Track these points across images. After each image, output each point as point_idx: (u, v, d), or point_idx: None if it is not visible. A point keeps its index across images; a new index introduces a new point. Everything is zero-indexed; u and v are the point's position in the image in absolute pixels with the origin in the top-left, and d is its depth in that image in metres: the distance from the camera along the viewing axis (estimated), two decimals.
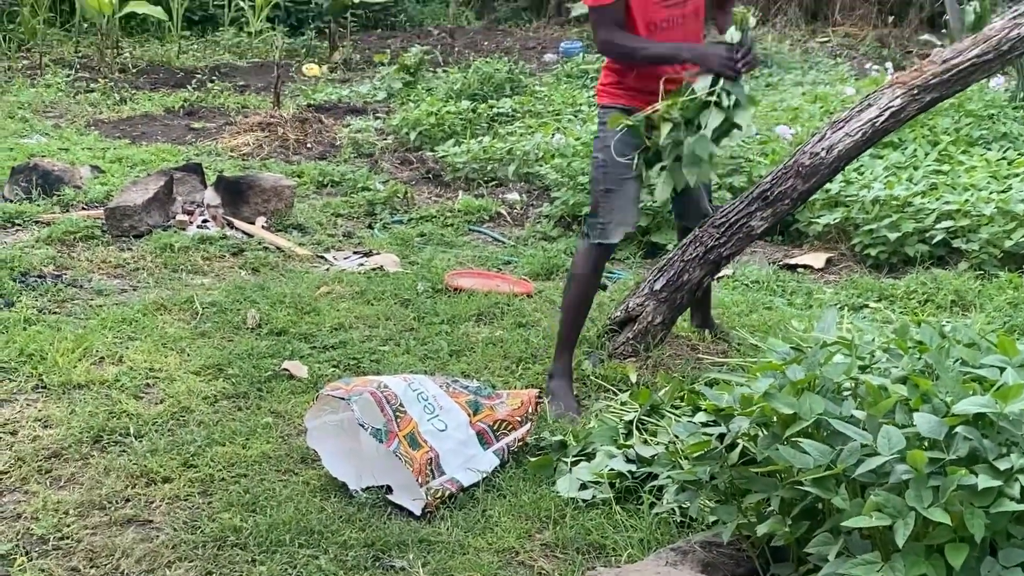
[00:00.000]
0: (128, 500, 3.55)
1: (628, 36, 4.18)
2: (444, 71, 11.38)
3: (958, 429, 2.60)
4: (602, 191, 4.34)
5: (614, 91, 4.34)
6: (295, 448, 3.88)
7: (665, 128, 4.08)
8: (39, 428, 3.99)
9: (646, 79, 4.20)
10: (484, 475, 3.71)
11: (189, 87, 11.14)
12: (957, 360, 3.03)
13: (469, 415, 3.80)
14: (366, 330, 5.07)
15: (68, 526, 3.38)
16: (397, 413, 3.63)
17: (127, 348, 4.70)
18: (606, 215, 4.34)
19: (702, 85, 4.01)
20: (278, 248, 6.27)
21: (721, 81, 3.99)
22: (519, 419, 3.90)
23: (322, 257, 6.24)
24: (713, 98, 3.99)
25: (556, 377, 4.36)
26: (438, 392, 3.82)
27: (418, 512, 3.51)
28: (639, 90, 4.25)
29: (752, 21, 4.06)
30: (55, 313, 5.14)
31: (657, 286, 4.63)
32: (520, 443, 3.89)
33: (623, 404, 4.05)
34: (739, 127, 4.06)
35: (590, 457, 3.77)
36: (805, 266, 6.14)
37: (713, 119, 3.99)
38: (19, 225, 6.46)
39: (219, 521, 3.40)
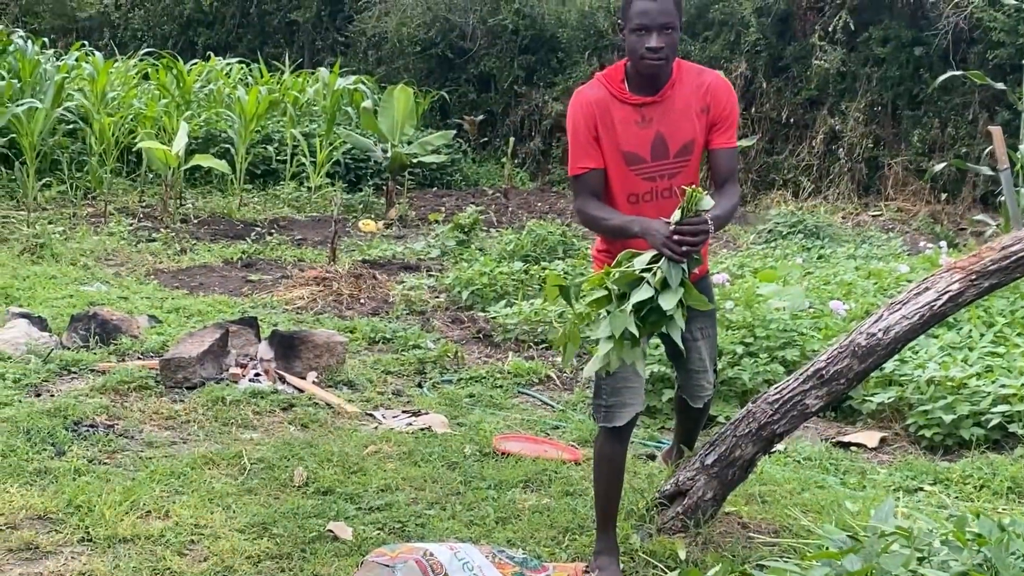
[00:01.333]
0: None
1: (598, 206, 4.15)
2: (498, 231, 11.55)
3: None
4: (603, 372, 4.15)
5: (607, 259, 4.21)
6: None
7: (595, 295, 3.90)
8: None
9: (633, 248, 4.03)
10: None
11: (248, 239, 11.36)
12: (1018, 556, 2.96)
13: None
14: (412, 492, 5.04)
15: None
16: None
17: (174, 502, 4.70)
18: (609, 397, 4.23)
19: (641, 260, 3.85)
20: (328, 404, 6.29)
21: (663, 259, 3.81)
22: None
23: (371, 415, 6.25)
24: (647, 275, 3.81)
25: (602, 553, 4.29)
26: (484, 562, 3.78)
27: None
28: None
29: (706, 201, 3.82)
30: (105, 464, 5.17)
31: (708, 461, 4.57)
32: None
33: None
34: (665, 313, 3.78)
35: None
36: (858, 444, 6.06)
37: (639, 293, 3.78)
38: (75, 373, 6.54)
39: None
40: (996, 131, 9.91)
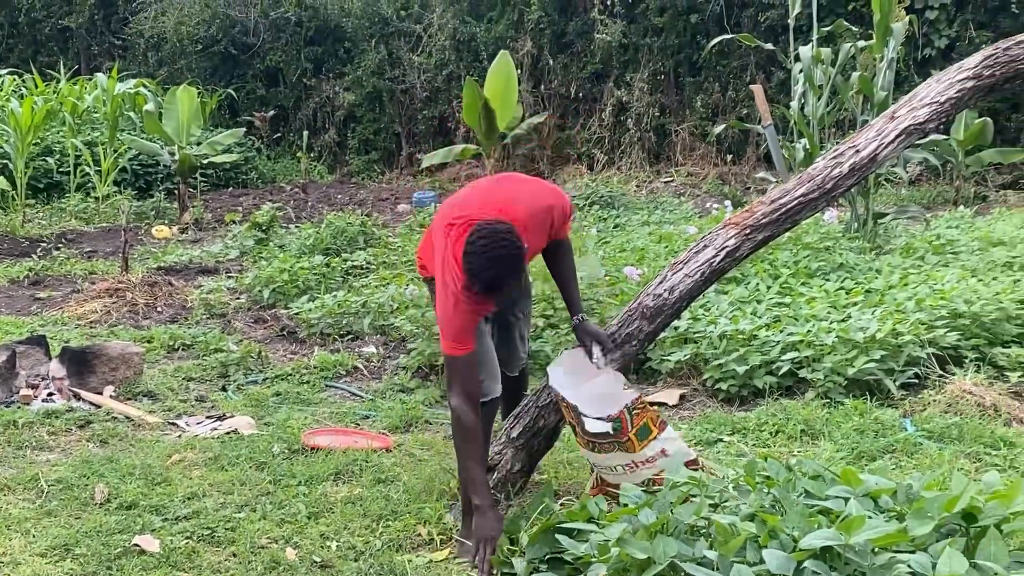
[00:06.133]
0: None
1: (476, 436, 4.26)
2: (297, 227, 11.41)
3: (806, 563, 2.64)
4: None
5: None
6: None
7: None
8: None
9: None
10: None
11: (34, 256, 10.95)
12: (803, 493, 3.09)
13: None
14: (220, 497, 4.94)
15: None
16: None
17: None
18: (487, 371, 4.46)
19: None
20: (127, 417, 6.10)
21: None
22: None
23: (174, 424, 6.10)
24: None
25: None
26: None
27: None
28: None
29: None
30: None
31: (514, 434, 4.63)
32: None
33: None
34: None
35: None
36: (660, 403, 6.21)
37: None
38: None
39: None
40: (757, 89, 10.31)
